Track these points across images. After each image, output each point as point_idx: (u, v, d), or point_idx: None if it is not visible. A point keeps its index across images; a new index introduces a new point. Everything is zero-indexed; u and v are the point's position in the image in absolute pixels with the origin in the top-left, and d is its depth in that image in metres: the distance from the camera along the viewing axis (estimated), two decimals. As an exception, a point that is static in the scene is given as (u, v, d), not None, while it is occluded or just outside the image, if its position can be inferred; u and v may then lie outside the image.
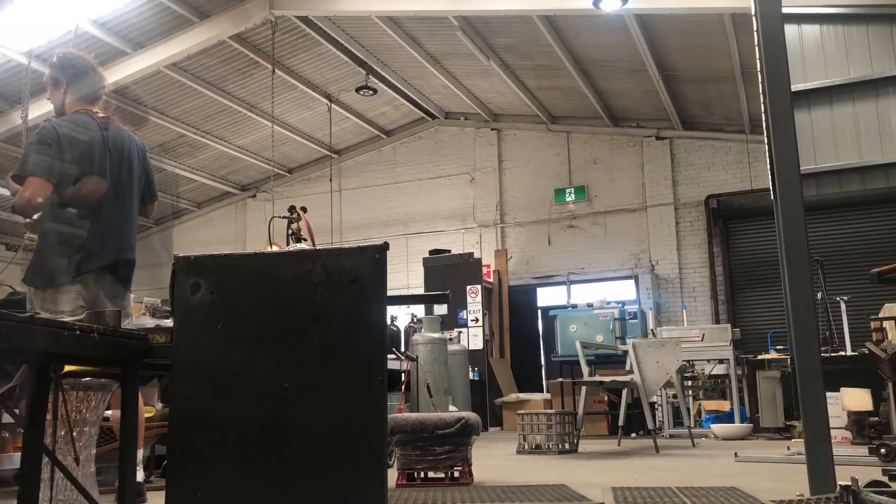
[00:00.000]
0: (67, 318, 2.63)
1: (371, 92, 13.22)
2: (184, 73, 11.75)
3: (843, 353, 7.78)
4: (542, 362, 14.10)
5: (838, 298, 8.28)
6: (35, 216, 3.69)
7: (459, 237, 14.64)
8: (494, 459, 6.26)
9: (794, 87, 4.18)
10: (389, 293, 2.01)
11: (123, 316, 3.78)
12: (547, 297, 14.33)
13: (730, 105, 12.48)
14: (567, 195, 14.11)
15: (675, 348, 7.19)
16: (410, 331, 10.54)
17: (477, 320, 12.57)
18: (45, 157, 3.54)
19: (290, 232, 3.87)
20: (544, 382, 13.60)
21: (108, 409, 3.56)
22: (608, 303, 11.98)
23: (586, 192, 14.04)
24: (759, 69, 3.58)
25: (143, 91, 11.94)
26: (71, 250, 3.63)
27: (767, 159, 3.39)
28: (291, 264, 2.00)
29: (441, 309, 10.87)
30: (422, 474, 4.51)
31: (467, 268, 12.81)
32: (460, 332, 12.01)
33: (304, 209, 3.93)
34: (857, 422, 6.59)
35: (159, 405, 4.82)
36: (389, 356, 7.12)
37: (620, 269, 13.61)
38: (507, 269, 14.03)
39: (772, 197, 3.35)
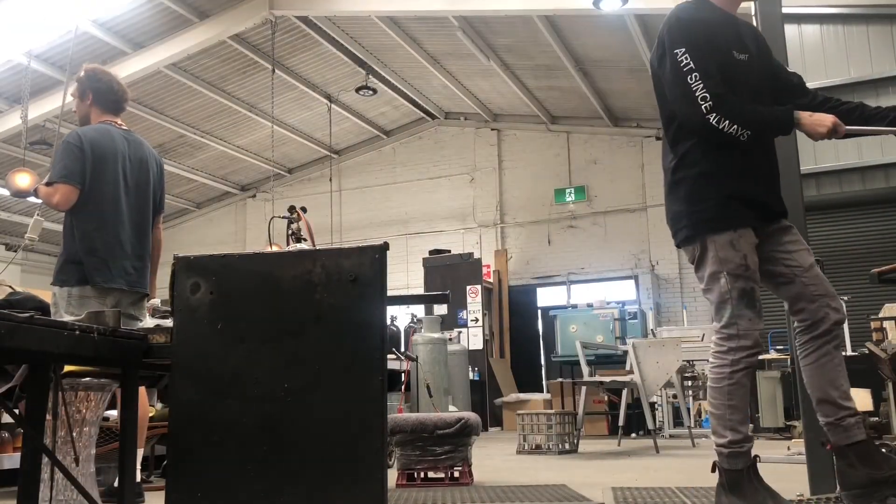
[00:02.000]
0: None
1: (371, 92, 13.23)
2: (184, 73, 11.76)
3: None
4: (542, 362, 14.10)
5: (838, 298, 8.26)
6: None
7: (459, 237, 14.65)
8: (494, 459, 6.26)
9: (794, 87, 4.18)
10: (389, 293, 2.01)
11: (138, 318, 3.89)
12: (547, 297, 14.34)
13: (730, 105, 12.48)
14: (567, 195, 14.11)
15: (675, 348, 7.19)
16: (410, 331, 10.54)
17: (477, 320, 12.57)
18: (74, 163, 3.77)
19: (290, 232, 3.86)
20: (544, 382, 13.61)
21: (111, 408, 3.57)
22: (608, 303, 11.98)
23: (586, 192, 14.04)
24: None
25: (143, 91, 11.94)
26: (96, 257, 3.78)
27: (767, 159, 3.40)
28: (291, 264, 2.00)
29: (441, 309, 10.87)
30: (422, 474, 4.52)
31: (467, 268, 12.82)
32: (460, 332, 12.02)
33: (304, 209, 3.93)
34: (857, 422, 6.57)
35: (159, 405, 4.81)
36: (389, 356, 7.12)
37: (620, 269, 13.61)
38: (507, 269, 14.03)
39: (772, 197, 3.34)
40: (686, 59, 2.67)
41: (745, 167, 2.74)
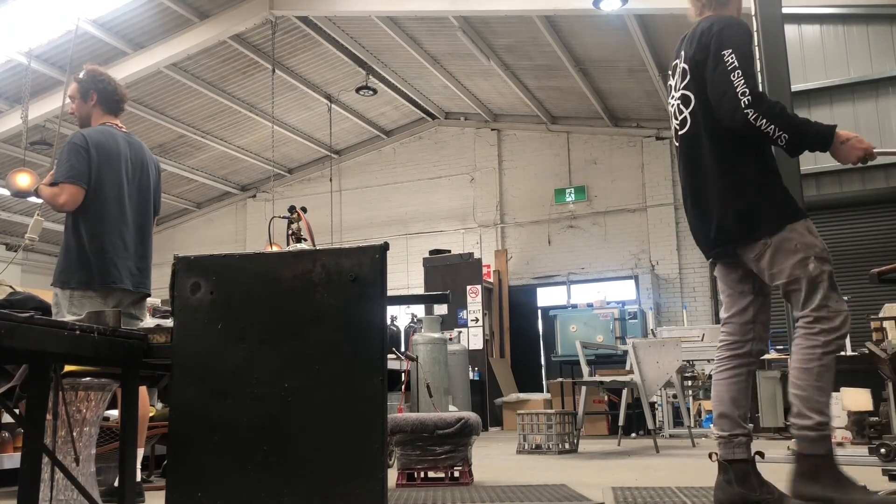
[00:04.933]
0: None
1: (371, 92, 13.23)
2: (184, 73, 11.76)
3: (843, 353, 7.76)
4: (542, 362, 14.10)
5: (838, 298, 8.26)
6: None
7: (459, 237, 14.65)
8: (494, 459, 6.26)
9: (794, 87, 4.18)
10: (389, 293, 2.01)
11: (139, 318, 3.88)
12: (547, 297, 14.34)
13: (730, 105, 12.48)
14: (567, 195, 14.11)
15: (675, 348, 7.18)
16: (410, 331, 10.54)
17: (477, 320, 12.57)
18: (80, 164, 3.77)
19: (290, 232, 3.86)
20: (544, 382, 13.61)
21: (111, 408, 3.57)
22: (608, 303, 11.98)
23: (586, 192, 14.04)
24: (759, 69, 3.58)
25: (143, 91, 11.94)
26: (104, 258, 3.79)
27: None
28: (291, 264, 2.00)
29: (441, 309, 10.86)
30: (422, 474, 4.51)
31: (467, 268, 12.81)
32: (460, 332, 12.01)
33: (304, 209, 3.93)
34: (857, 422, 6.58)
35: (159, 405, 4.82)
36: (389, 356, 7.12)
37: (620, 269, 13.61)
38: (507, 269, 14.03)
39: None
40: (732, 58, 2.75)
41: (776, 168, 2.85)
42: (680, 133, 2.96)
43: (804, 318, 2.70)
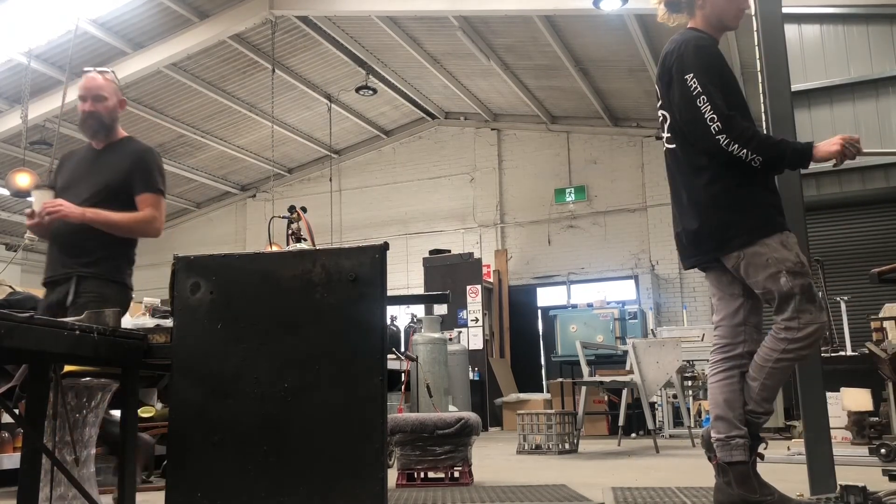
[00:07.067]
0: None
1: (371, 92, 13.23)
2: (184, 73, 11.76)
3: (843, 353, 7.77)
4: (542, 362, 14.09)
5: (838, 298, 8.27)
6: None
7: (459, 237, 14.64)
8: (494, 459, 6.26)
9: (794, 87, 4.17)
10: (389, 293, 2.01)
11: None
12: (547, 297, 14.33)
13: (730, 105, 12.46)
14: (567, 195, 14.11)
15: (675, 348, 7.18)
16: (410, 331, 10.53)
17: (477, 320, 12.57)
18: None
19: (289, 232, 3.85)
20: (544, 382, 13.60)
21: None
22: (608, 303, 11.98)
23: (586, 192, 14.04)
24: (759, 69, 3.58)
25: (143, 91, 11.93)
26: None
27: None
28: (291, 264, 2.00)
29: (441, 309, 10.87)
30: (422, 474, 4.51)
31: (467, 268, 12.81)
32: (460, 332, 12.01)
33: (304, 209, 3.92)
34: (857, 422, 6.58)
35: (159, 405, 4.82)
36: (389, 356, 7.11)
37: (620, 269, 13.61)
38: (507, 269, 14.03)
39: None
40: (694, 83, 2.78)
41: (767, 179, 2.89)
42: (665, 147, 3.03)
43: (776, 323, 2.80)
